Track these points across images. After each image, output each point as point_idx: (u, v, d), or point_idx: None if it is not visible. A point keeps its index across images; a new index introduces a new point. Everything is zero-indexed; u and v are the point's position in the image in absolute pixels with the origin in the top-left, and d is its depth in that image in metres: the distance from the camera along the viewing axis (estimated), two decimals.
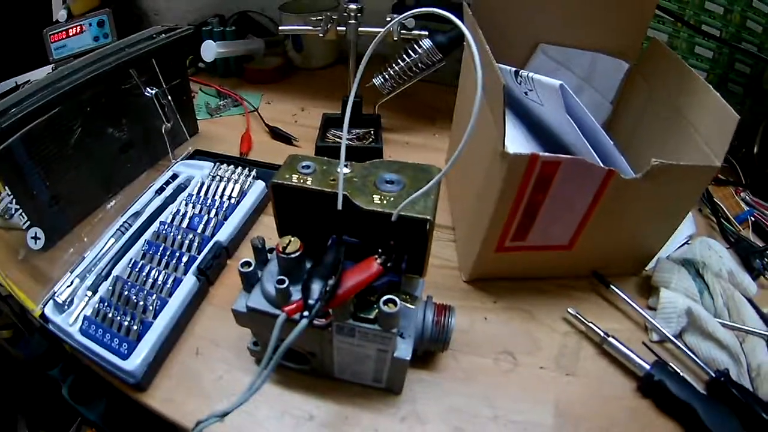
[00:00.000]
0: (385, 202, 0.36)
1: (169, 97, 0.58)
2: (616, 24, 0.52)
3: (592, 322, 0.48)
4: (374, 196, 0.36)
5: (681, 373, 0.45)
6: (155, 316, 0.47)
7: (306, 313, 0.32)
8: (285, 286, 0.36)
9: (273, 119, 0.76)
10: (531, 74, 0.45)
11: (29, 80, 0.70)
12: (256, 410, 0.43)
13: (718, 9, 0.62)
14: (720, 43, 0.62)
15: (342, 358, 0.41)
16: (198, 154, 0.65)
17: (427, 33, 0.57)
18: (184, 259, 0.50)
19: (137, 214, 0.54)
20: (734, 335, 0.48)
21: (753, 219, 0.62)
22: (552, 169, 0.41)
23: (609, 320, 0.50)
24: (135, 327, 0.46)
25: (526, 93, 0.47)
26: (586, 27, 0.52)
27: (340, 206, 0.35)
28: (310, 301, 0.32)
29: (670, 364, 0.46)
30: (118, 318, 0.47)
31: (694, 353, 0.47)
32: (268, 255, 0.42)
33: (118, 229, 0.53)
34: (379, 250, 0.36)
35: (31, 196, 0.52)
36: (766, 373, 0.45)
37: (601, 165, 0.43)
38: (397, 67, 0.59)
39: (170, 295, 0.48)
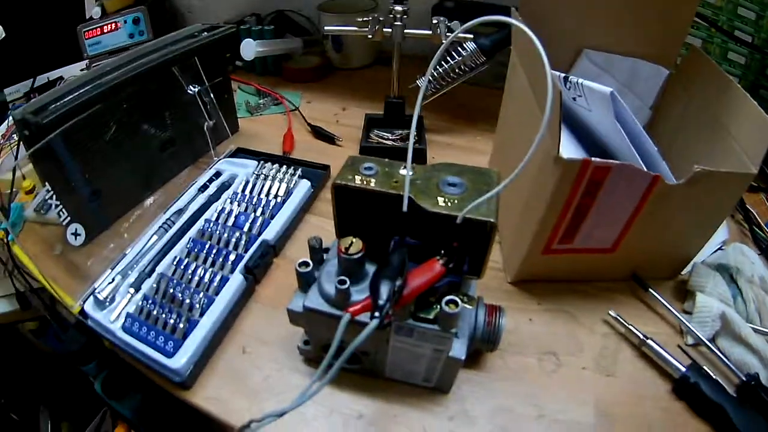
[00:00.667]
0: (449, 204, 0.36)
1: (212, 95, 0.58)
2: (656, 30, 0.53)
3: (631, 325, 0.49)
4: (438, 198, 0.36)
5: (714, 376, 0.46)
6: (201, 315, 0.47)
7: (377, 314, 0.32)
8: (346, 287, 0.36)
9: (314, 118, 0.76)
10: (581, 81, 0.46)
11: (62, 76, 0.70)
12: (305, 408, 0.43)
13: (750, 15, 0.63)
14: (752, 49, 0.63)
15: (396, 357, 0.41)
16: (240, 152, 0.65)
17: (472, 36, 0.57)
18: (231, 257, 0.50)
19: (180, 212, 0.54)
20: (765, 341, 0.49)
21: None
22: (602, 175, 0.42)
23: (646, 323, 0.50)
24: (181, 325, 0.46)
25: (574, 98, 0.47)
26: (628, 33, 0.53)
27: (405, 208, 0.36)
28: (380, 302, 0.32)
29: (704, 367, 0.47)
30: (164, 316, 0.47)
31: (726, 357, 0.48)
32: (324, 255, 0.42)
33: (161, 227, 0.53)
34: (441, 252, 0.37)
35: (71, 192, 0.52)
36: None
37: (647, 171, 0.43)
38: (441, 69, 0.59)
39: (217, 294, 0.48)
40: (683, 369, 0.46)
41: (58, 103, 0.50)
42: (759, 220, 0.62)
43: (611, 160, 0.41)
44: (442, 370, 0.41)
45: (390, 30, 0.59)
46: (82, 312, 0.50)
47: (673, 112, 0.55)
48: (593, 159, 0.41)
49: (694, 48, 0.53)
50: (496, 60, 0.59)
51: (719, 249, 0.57)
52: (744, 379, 0.45)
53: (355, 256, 0.37)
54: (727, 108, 0.49)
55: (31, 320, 0.81)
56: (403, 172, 0.38)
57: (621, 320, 0.49)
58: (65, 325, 0.66)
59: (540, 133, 0.31)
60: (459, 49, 0.58)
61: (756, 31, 0.63)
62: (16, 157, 0.56)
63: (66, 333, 0.59)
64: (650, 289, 0.51)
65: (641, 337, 0.48)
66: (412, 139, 0.36)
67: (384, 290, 0.33)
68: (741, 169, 0.45)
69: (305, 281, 0.40)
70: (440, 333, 0.37)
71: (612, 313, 0.49)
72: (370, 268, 0.40)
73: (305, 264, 0.40)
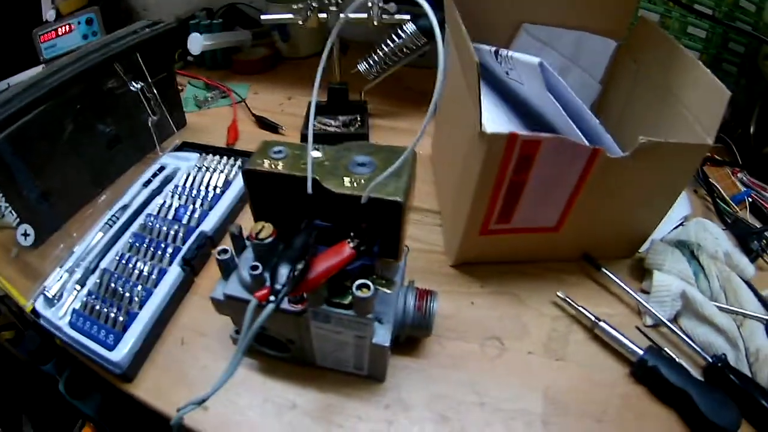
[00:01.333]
0: (356, 184, 0.35)
1: (155, 91, 0.58)
2: (603, 2, 0.51)
3: (582, 306, 0.47)
4: (345, 178, 0.35)
5: (676, 359, 0.44)
6: (141, 307, 0.47)
7: (272, 298, 0.31)
8: (259, 272, 0.36)
9: (260, 109, 0.76)
10: (510, 53, 0.44)
11: (8, 83, 0.71)
12: (239, 398, 0.43)
13: None
14: (713, 22, 0.60)
15: (321, 345, 0.40)
16: (185, 146, 0.65)
17: (409, 17, 0.56)
18: (169, 250, 0.50)
19: (125, 207, 0.55)
20: (731, 319, 0.47)
21: (750, 200, 0.60)
22: (533, 149, 0.40)
23: (601, 304, 0.48)
24: (121, 318, 0.46)
25: (507, 72, 0.46)
26: (571, 5, 0.51)
27: (309, 190, 0.35)
28: (277, 286, 0.32)
29: (665, 349, 0.45)
30: (105, 310, 0.47)
31: (689, 338, 0.45)
32: (246, 242, 0.41)
33: (105, 223, 0.53)
34: (351, 234, 0.36)
35: (20, 194, 0.52)
36: (766, 357, 0.43)
37: (586, 143, 0.42)
38: (381, 53, 0.58)
39: (155, 286, 0.48)
40: (640, 352, 0.44)
41: (2, 108, 0.51)
42: (724, 194, 0.59)
43: (541, 134, 0.40)
44: (370, 358, 0.40)
45: (325, 15, 0.58)
46: (34, 311, 0.51)
47: (623, 84, 0.53)
48: (520, 132, 0.39)
49: (643, 19, 0.50)
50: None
51: (680, 225, 0.55)
52: (710, 360, 0.44)
53: (266, 241, 0.36)
54: (678, 78, 0.47)
55: (6, 329, 0.82)
56: (314, 153, 0.37)
57: (570, 302, 0.47)
58: (28, 327, 0.67)
59: (432, 101, 0.29)
60: (399, 31, 0.57)
61: (717, 4, 0.61)
62: None
63: (27, 334, 0.60)
64: (603, 269, 0.49)
65: (593, 318, 0.46)
66: (312, 115, 0.35)
67: (283, 273, 0.32)
68: (695, 140, 0.43)
69: (226, 269, 0.40)
70: (356, 318, 0.36)
71: (560, 294, 0.48)
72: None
73: (224, 251, 0.39)
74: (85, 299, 0.48)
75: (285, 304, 0.36)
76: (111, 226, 0.53)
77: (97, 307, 0.48)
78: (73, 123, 0.54)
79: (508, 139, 0.39)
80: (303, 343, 0.41)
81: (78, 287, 0.50)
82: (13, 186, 0.52)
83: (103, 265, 0.51)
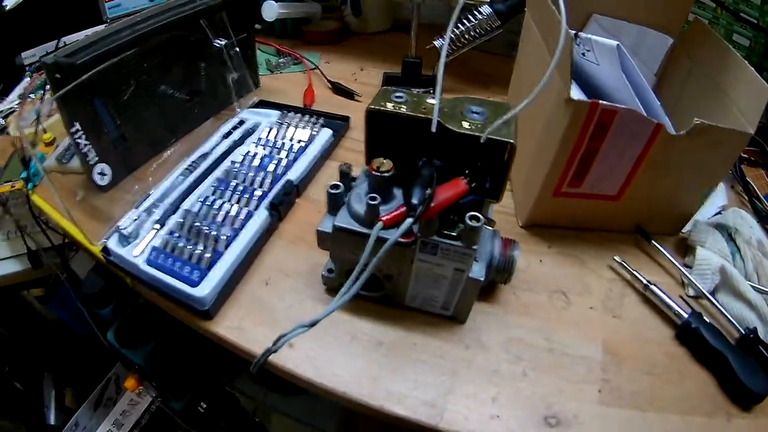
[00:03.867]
0: (473, 127, 0.41)
1: (237, 49, 0.63)
2: (664, 1, 0.59)
3: (636, 270, 0.53)
4: (463, 122, 0.41)
5: (715, 325, 0.50)
6: (226, 247, 0.51)
7: (411, 214, 0.36)
8: (377, 202, 0.41)
9: (333, 77, 0.81)
10: (590, 36, 0.51)
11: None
12: (326, 335, 0.47)
13: None
14: (757, 30, 0.69)
15: (417, 280, 0.45)
16: (263, 104, 0.69)
17: (488, 0, 0.63)
18: (257, 193, 0.54)
19: (205, 156, 0.58)
20: (763, 298, 0.54)
21: None
22: (609, 117, 0.47)
23: (649, 273, 0.54)
24: (207, 255, 0.49)
25: (583, 54, 0.53)
26: (636, 1, 0.59)
27: (434, 128, 0.40)
28: (414, 201, 0.37)
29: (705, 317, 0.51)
30: (189, 248, 0.50)
31: (726, 310, 0.52)
32: (352, 183, 0.46)
33: (186, 169, 0.57)
34: (466, 171, 0.41)
35: (100, 134, 0.56)
36: None
37: (651, 118, 0.49)
38: (457, 31, 0.64)
39: (242, 228, 0.52)
40: (686, 315, 0.50)
41: (91, 48, 0.55)
42: (758, 192, 0.67)
43: (617, 104, 0.47)
44: (461, 295, 0.46)
45: None
46: (105, 249, 0.53)
47: (676, 79, 0.61)
48: (601, 102, 0.46)
49: (697, 19, 0.59)
50: (510, 29, 0.65)
51: (718, 213, 0.62)
52: (743, 332, 0.49)
53: (386, 174, 0.41)
54: (727, 75, 0.55)
55: (37, 287, 0.83)
56: (430, 101, 0.43)
57: (626, 266, 0.54)
58: (78, 283, 0.69)
59: (552, 66, 0.36)
60: (475, 12, 0.64)
61: (761, 15, 0.70)
62: (38, 113, 0.59)
63: (86, 278, 0.62)
64: (653, 241, 0.56)
65: (645, 282, 0.52)
66: (441, 70, 0.41)
67: (417, 195, 0.38)
68: (739, 128, 0.50)
69: (335, 203, 0.44)
70: (463, 249, 0.41)
71: (617, 258, 0.54)
72: (398, 192, 0.44)
73: (336, 186, 0.44)
74: (166, 237, 0.52)
75: (398, 237, 0.42)
76: (191, 172, 0.57)
77: (180, 245, 0.51)
78: (156, 71, 0.58)
79: (591, 106, 0.46)
80: (399, 279, 0.46)
81: (157, 226, 0.53)
82: (95, 125, 0.55)
83: (185, 206, 0.54)
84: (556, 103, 0.49)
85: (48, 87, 0.69)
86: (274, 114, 0.65)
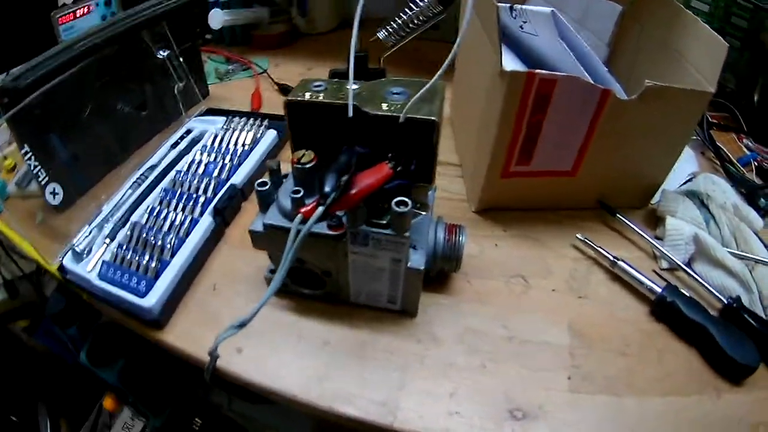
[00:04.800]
0: (392, 108, 0.38)
1: (181, 59, 0.61)
2: None
3: (601, 247, 0.49)
4: (382, 104, 0.38)
5: (692, 297, 0.46)
6: (173, 255, 0.49)
7: (323, 202, 0.34)
8: (300, 195, 0.38)
9: (281, 79, 0.79)
10: (524, 6, 0.48)
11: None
12: (272, 339, 0.44)
13: None
14: None
15: (357, 275, 0.42)
16: (211, 112, 0.68)
17: None
18: (201, 200, 0.52)
19: (153, 168, 0.57)
20: (743, 264, 0.49)
21: (756, 163, 0.63)
22: (549, 87, 0.44)
23: (617, 249, 0.51)
24: (153, 264, 0.48)
25: (521, 27, 0.50)
26: None
27: (350, 113, 0.38)
28: (326, 189, 0.34)
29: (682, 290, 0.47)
30: (137, 259, 0.48)
31: (704, 281, 0.48)
32: (283, 179, 0.44)
33: (134, 182, 0.56)
34: (389, 155, 0.38)
35: (51, 156, 0.54)
36: None
37: (596, 84, 0.45)
38: (399, 20, 0.62)
39: (187, 235, 0.50)
40: (659, 290, 0.46)
41: (34, 69, 0.54)
42: (731, 156, 0.63)
43: (557, 73, 0.43)
44: (404, 287, 0.42)
45: None
46: (61, 268, 0.52)
47: (629, 45, 0.57)
48: (538, 71, 0.43)
49: None
50: (455, 15, 0.62)
51: (688, 180, 0.58)
52: (726, 302, 0.45)
53: (307, 166, 0.39)
54: (681, 36, 0.51)
55: (21, 318, 0.83)
56: (349, 87, 0.40)
57: (590, 243, 0.50)
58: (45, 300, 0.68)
59: (461, 33, 0.33)
60: (417, 0, 0.61)
61: None
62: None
63: (50, 297, 0.61)
64: (618, 214, 0.52)
65: (611, 258, 0.49)
66: (353, 49, 0.38)
67: (329, 183, 0.35)
68: (696, 86, 0.46)
69: (264, 201, 0.42)
70: (395, 237, 0.38)
71: (580, 236, 0.50)
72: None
73: (263, 183, 0.42)
74: (115, 251, 0.50)
75: (324, 228, 0.39)
76: (140, 185, 0.55)
77: (128, 257, 0.49)
78: (101, 88, 0.57)
79: (527, 76, 0.43)
80: (338, 275, 0.43)
81: (107, 240, 0.52)
82: (43, 146, 0.54)
83: (133, 219, 0.52)
84: (491, 78, 0.46)
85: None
86: (220, 120, 0.63)
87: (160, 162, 0.58)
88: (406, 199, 0.37)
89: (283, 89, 0.77)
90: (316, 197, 0.38)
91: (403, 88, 0.40)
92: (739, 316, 0.45)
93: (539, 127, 0.46)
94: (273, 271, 0.46)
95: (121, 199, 0.55)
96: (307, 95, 0.40)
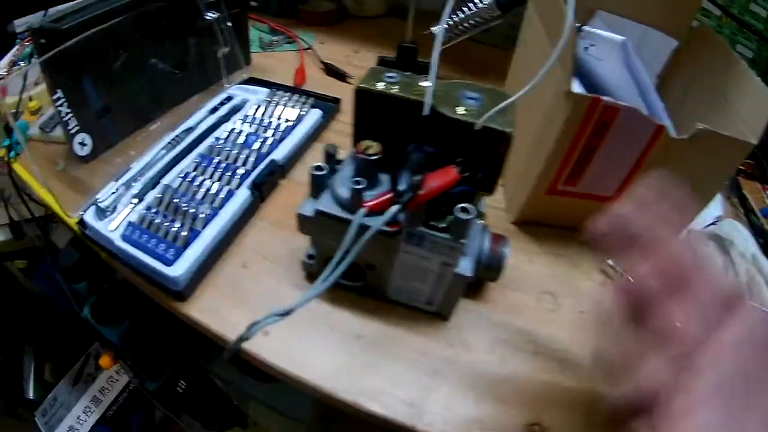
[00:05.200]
0: (468, 114, 0.37)
1: (229, 23, 0.59)
2: (671, 2, 0.55)
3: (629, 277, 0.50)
4: (457, 108, 0.37)
5: None
6: (204, 226, 0.47)
7: (399, 200, 0.33)
8: (362, 187, 0.37)
9: (326, 58, 0.77)
10: (594, 29, 0.48)
11: None
12: (303, 325, 0.43)
13: (762, 12, 0.66)
14: (762, 42, 0.66)
15: (402, 272, 0.42)
16: (252, 81, 0.65)
17: None
18: (240, 171, 0.50)
19: (189, 130, 0.54)
20: None
21: None
22: (611, 115, 0.44)
23: None
24: (184, 233, 0.45)
25: (586, 48, 0.49)
26: (643, 0, 0.55)
27: (427, 111, 0.37)
28: (401, 187, 0.33)
29: None
30: (166, 224, 0.46)
31: None
32: (337, 166, 0.42)
33: (168, 143, 0.53)
34: (458, 160, 0.38)
35: (83, 103, 0.52)
36: None
37: (653, 119, 0.45)
38: (456, 18, 0.61)
39: (222, 207, 0.48)
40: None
41: (78, 14, 0.51)
42: (754, 206, 0.64)
43: (620, 102, 0.43)
44: (447, 290, 0.42)
45: None
46: (81, 222, 0.49)
47: (678, 82, 0.57)
48: (603, 97, 0.43)
49: (703, 25, 0.55)
50: (508, 21, 0.62)
51: (713, 223, 0.59)
52: None
53: (373, 158, 0.37)
54: (731, 83, 0.51)
55: (21, 258, 0.80)
56: (423, 83, 0.39)
57: (618, 270, 0.50)
58: (56, 251, 0.65)
59: (557, 51, 0.32)
60: (476, 1, 0.60)
61: (766, 28, 0.66)
62: (24, 78, 0.55)
63: (62, 250, 0.58)
64: None
65: None
66: (437, 51, 0.37)
67: (404, 181, 0.34)
68: (739, 135, 0.47)
69: (318, 186, 0.41)
70: (451, 242, 0.38)
71: (610, 262, 0.51)
72: (384, 179, 0.40)
73: (320, 167, 0.40)
74: (142, 213, 0.48)
75: (382, 225, 0.38)
76: (174, 146, 0.53)
77: (156, 221, 0.47)
78: (145, 42, 0.54)
79: (592, 101, 0.43)
80: (383, 270, 0.42)
81: (135, 201, 0.49)
82: (78, 94, 0.51)
83: (164, 181, 0.50)
84: (555, 96, 0.45)
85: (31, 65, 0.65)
86: (263, 91, 0.61)
87: (197, 126, 0.55)
88: (471, 207, 0.36)
89: (330, 69, 0.74)
90: (378, 192, 0.37)
91: (478, 94, 0.39)
92: None
93: (593, 152, 0.46)
94: (311, 257, 0.45)
95: (153, 158, 0.52)
96: (380, 85, 0.38)
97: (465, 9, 0.61)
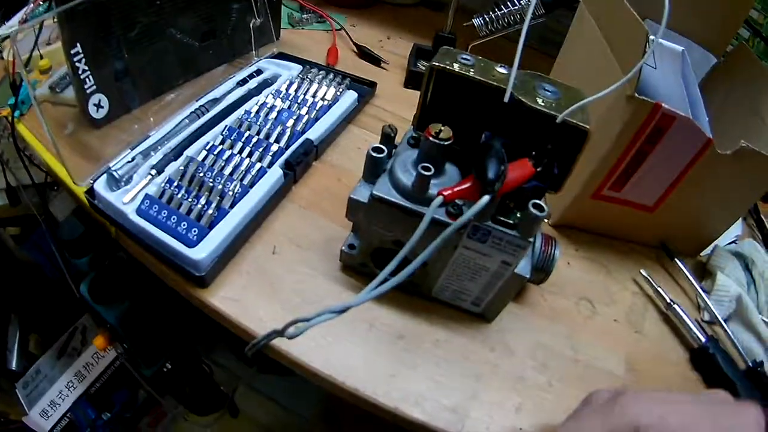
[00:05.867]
0: (548, 105, 0.34)
1: None
2: (713, 17, 0.54)
3: (660, 287, 0.49)
4: (537, 98, 0.35)
5: (729, 354, 0.47)
6: (233, 205, 0.42)
7: (488, 189, 0.29)
8: (431, 173, 0.33)
9: (359, 41, 0.73)
10: (654, 38, 0.46)
11: None
12: (340, 322, 0.38)
13: None
14: None
15: (455, 270, 0.38)
16: (283, 57, 0.61)
17: None
18: (273, 148, 0.45)
19: (215, 101, 0.49)
20: None
21: None
22: (668, 123, 0.42)
23: (668, 291, 0.50)
24: (210, 211, 0.41)
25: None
26: (687, 13, 0.54)
27: (507, 99, 0.34)
28: (490, 175, 0.30)
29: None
30: (189, 200, 0.41)
31: (735, 340, 0.48)
32: (393, 150, 0.39)
33: (193, 112, 0.48)
34: (533, 153, 0.35)
35: (103, 61, 0.46)
36: None
37: (704, 131, 0.44)
38: (499, 13, 0.58)
39: (252, 186, 0.43)
40: (704, 339, 0.46)
41: None
42: None
43: (678, 111, 0.42)
44: (498, 291, 0.39)
45: None
46: (90, 192, 0.43)
47: (715, 98, 0.56)
48: (664, 104, 0.41)
49: (742, 43, 0.55)
50: (546, 24, 0.60)
51: (733, 242, 0.59)
52: (750, 364, 0.46)
53: (445, 143, 0.34)
54: (766, 102, 0.51)
55: (14, 225, 0.72)
56: (500, 69, 0.36)
57: (651, 281, 0.49)
58: (55, 227, 0.58)
59: (636, 68, 0.30)
60: None
61: None
62: (39, 31, 0.48)
63: (66, 221, 0.51)
64: (677, 260, 0.52)
65: (668, 300, 0.48)
66: (523, 37, 0.34)
67: (492, 169, 0.31)
68: None
69: (375, 169, 0.37)
70: (518, 240, 0.35)
71: (644, 272, 0.49)
72: (450, 168, 0.37)
73: (380, 149, 0.36)
74: (162, 186, 0.43)
75: (443, 215, 0.35)
76: (198, 117, 0.48)
77: (178, 196, 0.42)
78: (175, 3, 0.49)
79: (653, 107, 0.41)
80: (433, 266, 0.39)
81: (153, 172, 0.44)
82: (98, 50, 0.45)
83: (188, 153, 0.45)
84: (615, 99, 0.43)
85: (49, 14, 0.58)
86: (295, 68, 0.56)
87: (224, 97, 0.50)
88: (544, 205, 0.34)
89: (363, 52, 0.70)
90: (450, 182, 0.34)
91: (554, 88, 0.36)
92: (759, 379, 0.45)
93: (644, 158, 0.45)
94: (352, 246, 0.41)
95: (174, 128, 0.47)
96: (456, 66, 0.35)
97: (509, 4, 0.59)
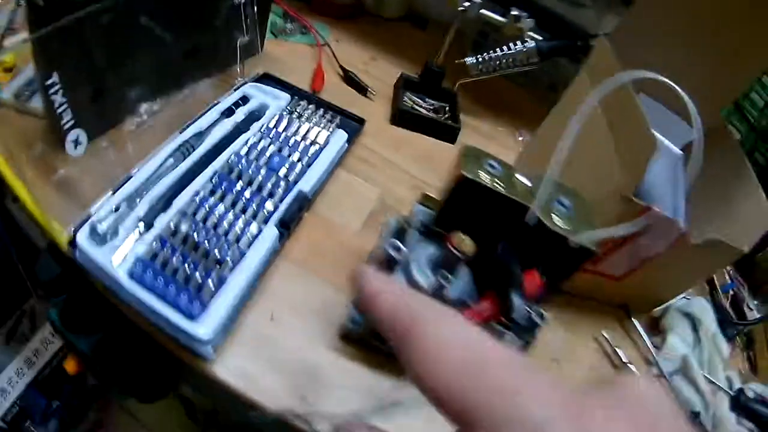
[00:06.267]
0: (561, 223, 0.35)
1: (255, 8, 0.48)
2: (705, 89, 0.56)
3: (617, 347, 0.54)
4: (552, 213, 0.35)
5: None
6: (231, 270, 0.39)
7: (514, 327, 0.31)
8: (449, 281, 0.34)
9: (344, 61, 0.68)
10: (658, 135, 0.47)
11: None
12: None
13: None
14: None
15: None
16: (268, 79, 0.55)
17: (540, 38, 0.55)
18: (268, 206, 0.42)
19: (200, 135, 0.44)
20: (711, 388, 0.55)
21: (732, 293, 0.69)
22: (654, 221, 0.45)
23: (623, 346, 0.55)
24: (211, 283, 0.37)
25: None
26: (682, 77, 0.55)
27: (533, 221, 0.34)
28: (515, 316, 0.31)
29: None
30: (186, 267, 0.38)
31: (677, 393, 0.53)
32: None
33: (177, 149, 0.43)
34: (538, 266, 0.36)
35: (81, 90, 0.40)
36: (722, 424, 0.54)
37: (685, 230, 0.47)
38: (494, 55, 0.57)
39: (249, 246, 0.40)
40: None
41: None
42: (716, 282, 0.69)
43: (670, 216, 0.45)
44: None
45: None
46: (73, 243, 0.38)
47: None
48: (654, 208, 0.44)
49: (723, 126, 0.58)
50: (541, 68, 0.59)
51: (685, 298, 0.65)
52: (688, 415, 0.51)
53: (467, 257, 0.34)
54: (736, 187, 0.55)
55: None
56: (520, 178, 0.36)
57: (610, 342, 0.54)
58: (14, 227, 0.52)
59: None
60: (518, 42, 0.57)
61: None
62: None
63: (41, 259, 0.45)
64: (633, 319, 0.57)
65: (623, 360, 0.53)
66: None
67: (518, 309, 0.31)
68: (739, 245, 0.50)
69: (390, 265, 0.36)
70: (516, 341, 0.36)
71: (605, 333, 0.54)
72: (462, 271, 0.37)
73: (398, 248, 0.36)
74: (154, 246, 0.39)
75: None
76: (184, 155, 0.43)
77: (174, 261, 0.38)
78: (156, 17, 0.42)
79: (642, 209, 0.44)
80: None
81: (141, 226, 0.40)
82: (79, 78, 0.39)
83: (177, 204, 0.41)
84: (606, 194, 0.45)
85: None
86: (284, 97, 0.52)
87: (209, 130, 0.45)
88: (545, 314, 0.35)
89: (348, 76, 0.66)
90: (456, 286, 0.35)
91: (569, 202, 0.37)
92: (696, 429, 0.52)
93: (624, 244, 0.48)
94: (355, 322, 0.40)
95: (159, 168, 0.42)
96: (484, 176, 0.34)
97: (505, 48, 0.57)
